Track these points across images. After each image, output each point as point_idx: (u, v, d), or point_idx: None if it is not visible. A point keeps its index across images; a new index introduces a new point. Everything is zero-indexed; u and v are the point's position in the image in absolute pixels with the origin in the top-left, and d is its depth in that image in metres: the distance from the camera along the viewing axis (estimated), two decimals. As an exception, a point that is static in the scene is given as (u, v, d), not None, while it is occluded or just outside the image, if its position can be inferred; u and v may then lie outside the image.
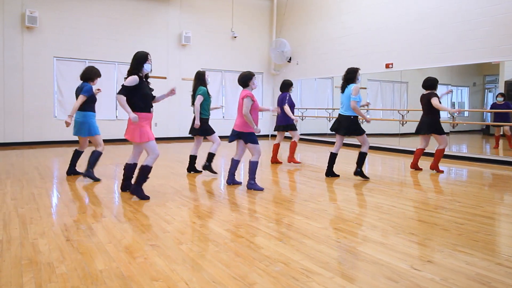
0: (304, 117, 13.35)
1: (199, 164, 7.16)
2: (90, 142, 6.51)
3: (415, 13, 10.31)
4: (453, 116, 9.39)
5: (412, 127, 10.61)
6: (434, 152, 7.45)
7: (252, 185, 5.70)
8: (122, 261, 3.02)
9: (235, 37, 14.54)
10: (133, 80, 4.82)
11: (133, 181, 5.23)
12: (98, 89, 6.65)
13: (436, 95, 7.12)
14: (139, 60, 4.95)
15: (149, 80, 5.15)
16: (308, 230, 3.87)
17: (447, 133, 9.79)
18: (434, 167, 7.41)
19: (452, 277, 2.81)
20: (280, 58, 14.60)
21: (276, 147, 8.31)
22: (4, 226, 3.84)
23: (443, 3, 9.64)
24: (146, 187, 5.55)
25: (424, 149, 7.59)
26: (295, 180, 6.79)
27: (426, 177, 7.04)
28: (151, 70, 5.04)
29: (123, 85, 4.84)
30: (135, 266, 2.94)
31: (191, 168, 7.07)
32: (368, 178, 6.61)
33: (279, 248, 3.34)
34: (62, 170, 7.41)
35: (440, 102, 7.13)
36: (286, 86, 8.18)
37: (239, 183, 6.03)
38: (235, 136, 5.72)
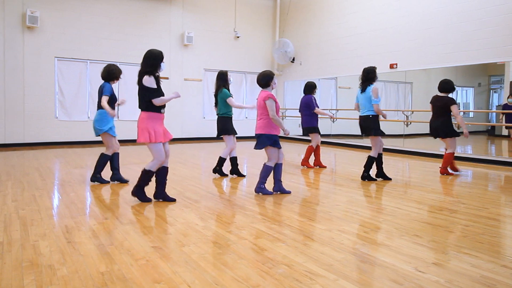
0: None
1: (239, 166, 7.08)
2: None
3: (419, 13, 10.27)
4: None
5: (416, 128, 10.57)
6: (443, 154, 7.33)
7: (261, 189, 5.49)
8: (124, 263, 3.00)
9: (238, 37, 14.52)
10: (152, 81, 4.73)
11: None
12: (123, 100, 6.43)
13: (456, 103, 6.98)
14: (157, 59, 4.80)
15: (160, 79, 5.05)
16: (312, 232, 3.84)
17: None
18: (444, 171, 7.23)
19: (457, 279, 2.78)
20: (283, 58, 14.56)
21: (317, 150, 8.01)
22: (4, 228, 3.82)
23: (448, 3, 9.59)
24: (148, 189, 5.53)
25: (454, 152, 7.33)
26: (298, 182, 6.76)
27: (430, 178, 7.00)
28: None
29: (148, 87, 4.69)
30: (137, 268, 2.91)
31: (235, 171, 6.91)
32: (376, 179, 6.58)
33: (282, 250, 3.31)
34: (63, 171, 7.40)
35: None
36: (310, 88, 8.02)
37: (288, 192, 5.57)
38: (257, 139, 5.41)
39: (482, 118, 10.57)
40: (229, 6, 14.31)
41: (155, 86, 4.75)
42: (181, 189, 5.73)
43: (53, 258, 3.07)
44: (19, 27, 10.97)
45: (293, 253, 3.24)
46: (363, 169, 6.60)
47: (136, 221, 4.16)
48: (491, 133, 10.77)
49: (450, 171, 7.33)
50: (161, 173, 5.00)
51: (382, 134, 6.44)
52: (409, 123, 10.72)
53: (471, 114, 10.67)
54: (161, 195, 5.01)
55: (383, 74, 11.35)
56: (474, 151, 10.32)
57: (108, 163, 6.17)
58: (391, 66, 11.00)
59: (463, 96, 11.03)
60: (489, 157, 9.13)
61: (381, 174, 6.65)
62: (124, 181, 6.18)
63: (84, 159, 8.91)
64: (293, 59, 14.57)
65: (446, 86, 7.09)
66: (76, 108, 11.95)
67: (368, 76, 6.42)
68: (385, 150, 10.93)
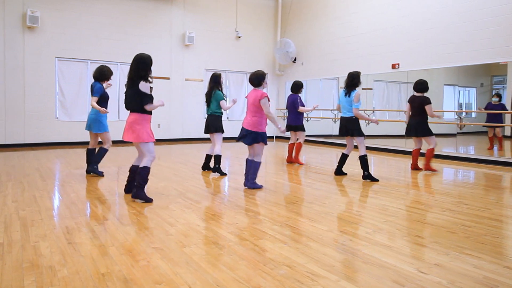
0: (309, 118, 13.22)
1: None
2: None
3: (421, 13, 10.24)
4: (460, 117, 9.32)
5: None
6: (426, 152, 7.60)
7: (253, 185, 5.79)
8: (125, 264, 2.98)
9: (239, 37, 14.50)
10: (148, 87, 4.86)
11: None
12: (109, 84, 6.78)
13: (430, 102, 7.27)
14: (149, 64, 4.92)
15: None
16: (313, 232, 3.82)
17: (454, 135, 9.76)
18: (427, 167, 7.55)
19: (459, 280, 2.76)
20: (285, 59, 14.55)
21: (292, 147, 8.54)
22: (5, 229, 3.81)
23: (449, 3, 9.57)
24: (149, 189, 5.52)
25: (420, 149, 7.77)
26: (299, 182, 6.75)
27: (432, 179, 6.99)
28: None
29: (144, 93, 4.81)
30: (138, 269, 2.90)
31: (206, 166, 7.42)
32: (377, 180, 6.58)
33: (284, 251, 3.29)
34: (63, 171, 7.40)
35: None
36: (297, 87, 8.30)
37: (260, 187, 5.89)
38: (247, 134, 5.64)
39: (484, 118, 10.53)
40: (230, 6, 14.29)
41: (149, 92, 4.89)
42: (182, 190, 5.72)
43: (54, 259, 3.06)
44: (19, 27, 10.96)
45: (295, 254, 3.23)
46: (362, 169, 6.66)
47: (137, 221, 4.15)
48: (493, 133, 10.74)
49: (433, 167, 7.58)
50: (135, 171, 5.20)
51: (363, 135, 6.69)
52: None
53: (473, 115, 10.65)
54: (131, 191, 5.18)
55: (385, 74, 11.37)
56: (476, 151, 10.30)
57: (88, 155, 6.74)
58: (393, 66, 10.98)
59: (466, 96, 10.99)
60: (491, 157, 9.11)
61: (339, 171, 7.05)
62: (99, 174, 6.60)
63: (84, 159, 8.87)
64: (295, 59, 14.55)
65: (420, 86, 7.44)
66: (77, 108, 11.93)
67: (353, 82, 6.64)
68: (387, 150, 10.94)
